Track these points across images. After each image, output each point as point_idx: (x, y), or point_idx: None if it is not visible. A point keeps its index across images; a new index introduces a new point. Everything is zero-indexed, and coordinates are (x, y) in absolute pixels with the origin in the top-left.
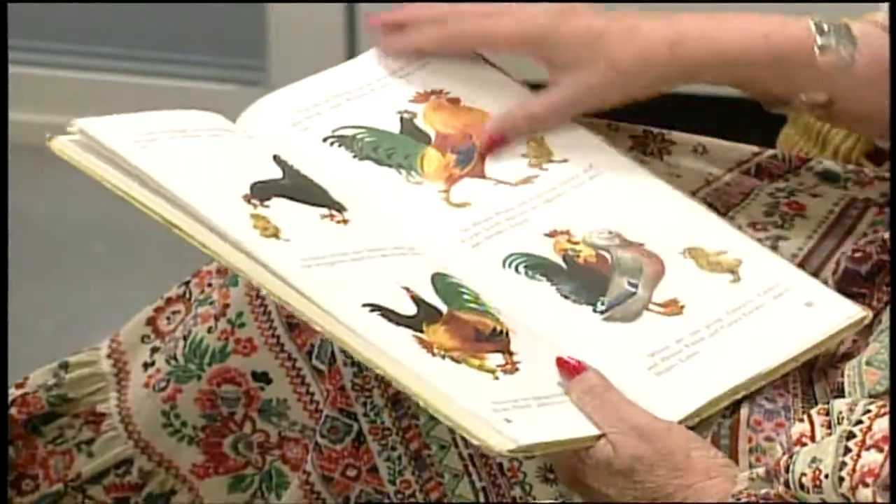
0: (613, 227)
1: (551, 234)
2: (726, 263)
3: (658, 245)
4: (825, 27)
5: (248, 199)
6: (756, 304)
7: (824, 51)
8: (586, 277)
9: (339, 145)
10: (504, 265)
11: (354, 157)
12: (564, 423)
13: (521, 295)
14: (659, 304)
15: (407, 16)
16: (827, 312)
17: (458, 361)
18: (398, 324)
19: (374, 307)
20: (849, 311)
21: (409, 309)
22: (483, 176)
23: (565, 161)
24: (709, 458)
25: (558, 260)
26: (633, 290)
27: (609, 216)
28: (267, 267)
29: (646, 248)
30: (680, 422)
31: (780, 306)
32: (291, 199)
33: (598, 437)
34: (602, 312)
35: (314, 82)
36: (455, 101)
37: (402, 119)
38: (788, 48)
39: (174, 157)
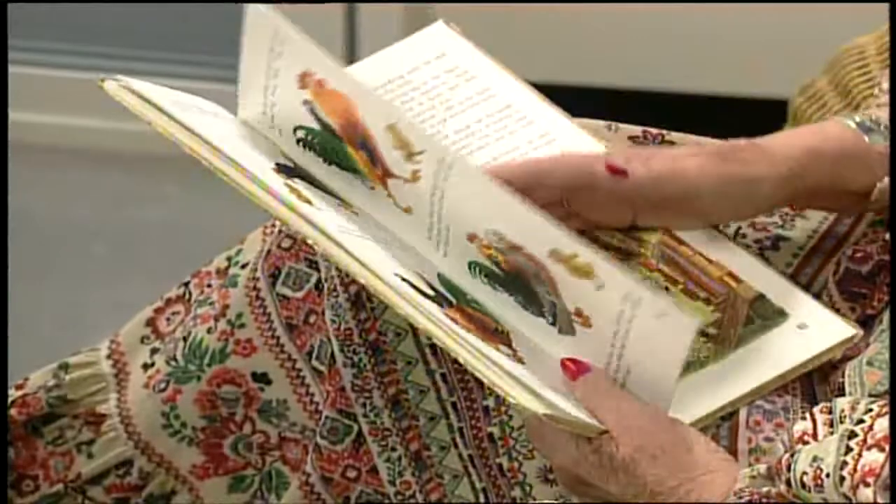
0: (498, 227)
1: (470, 239)
2: (583, 267)
3: (532, 247)
4: (866, 123)
5: (276, 171)
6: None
7: (874, 144)
8: (520, 285)
9: (308, 149)
10: (471, 273)
11: (324, 161)
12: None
13: (495, 305)
14: (575, 315)
15: None
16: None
17: (481, 339)
18: (426, 297)
19: (403, 279)
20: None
21: (429, 291)
22: (392, 174)
23: (422, 152)
24: (710, 453)
25: (494, 266)
26: (553, 299)
27: (487, 215)
28: (307, 220)
29: (526, 251)
30: None
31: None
32: (310, 183)
33: (602, 432)
34: (553, 324)
35: (247, 78)
36: (322, 84)
37: (311, 111)
38: (844, 139)
39: (208, 124)
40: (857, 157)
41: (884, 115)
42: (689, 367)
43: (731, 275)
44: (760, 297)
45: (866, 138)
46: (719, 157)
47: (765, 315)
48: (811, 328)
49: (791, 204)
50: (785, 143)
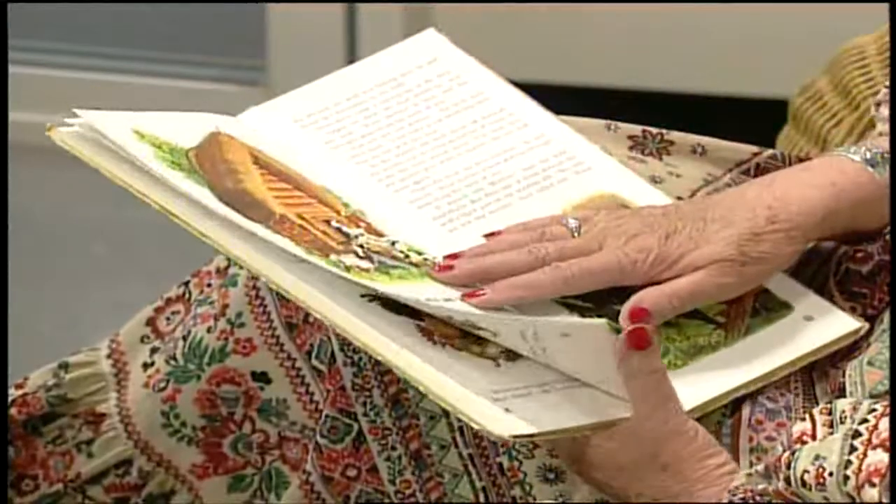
0: None
1: None
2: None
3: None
4: (877, 159)
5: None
6: None
7: (882, 177)
8: None
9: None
10: None
11: None
12: (566, 410)
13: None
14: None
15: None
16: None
17: (459, 349)
18: (399, 312)
19: (373, 297)
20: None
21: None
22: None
23: None
24: (718, 468)
25: None
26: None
27: None
28: (269, 257)
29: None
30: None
31: None
32: None
33: (601, 426)
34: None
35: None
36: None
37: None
38: (859, 188)
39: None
40: (870, 202)
41: (886, 144)
42: (701, 350)
43: None
44: (765, 291)
45: (875, 174)
46: (739, 261)
47: (771, 307)
48: (818, 320)
49: None
50: (801, 208)
